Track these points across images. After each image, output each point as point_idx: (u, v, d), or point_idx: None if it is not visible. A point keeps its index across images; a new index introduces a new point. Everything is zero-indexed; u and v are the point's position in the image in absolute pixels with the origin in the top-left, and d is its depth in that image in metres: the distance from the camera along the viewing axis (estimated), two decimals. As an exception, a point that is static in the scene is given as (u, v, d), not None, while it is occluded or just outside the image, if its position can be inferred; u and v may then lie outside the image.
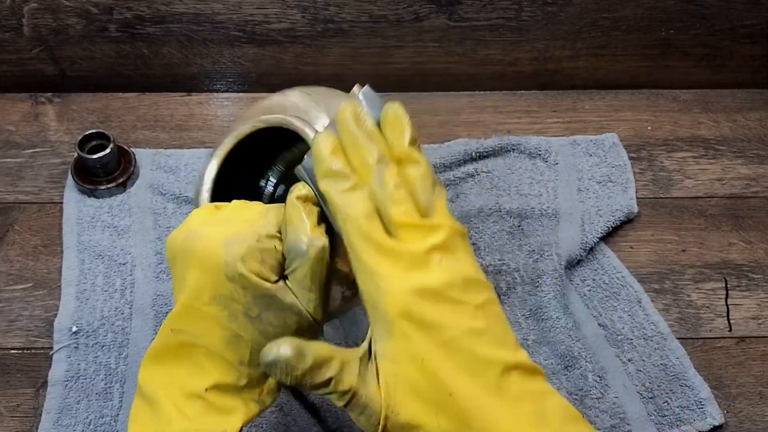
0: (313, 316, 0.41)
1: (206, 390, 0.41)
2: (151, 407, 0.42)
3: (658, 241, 0.73)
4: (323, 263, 0.40)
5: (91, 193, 0.72)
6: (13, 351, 0.64)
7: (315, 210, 0.41)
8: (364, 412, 0.38)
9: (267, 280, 0.40)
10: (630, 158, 0.78)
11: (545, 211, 0.73)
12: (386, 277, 0.37)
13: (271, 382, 0.43)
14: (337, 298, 0.46)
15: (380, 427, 0.38)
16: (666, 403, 0.62)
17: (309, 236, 0.39)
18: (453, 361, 0.36)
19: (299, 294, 0.41)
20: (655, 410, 0.61)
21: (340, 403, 0.39)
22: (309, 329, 0.42)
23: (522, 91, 0.85)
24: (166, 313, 0.65)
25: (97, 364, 0.62)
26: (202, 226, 0.42)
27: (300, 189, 0.41)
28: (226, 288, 0.40)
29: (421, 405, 0.37)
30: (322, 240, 0.40)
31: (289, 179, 0.60)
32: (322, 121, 0.51)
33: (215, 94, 0.84)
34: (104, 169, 0.72)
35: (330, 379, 0.38)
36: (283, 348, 0.38)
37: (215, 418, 0.41)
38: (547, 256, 0.69)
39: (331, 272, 0.42)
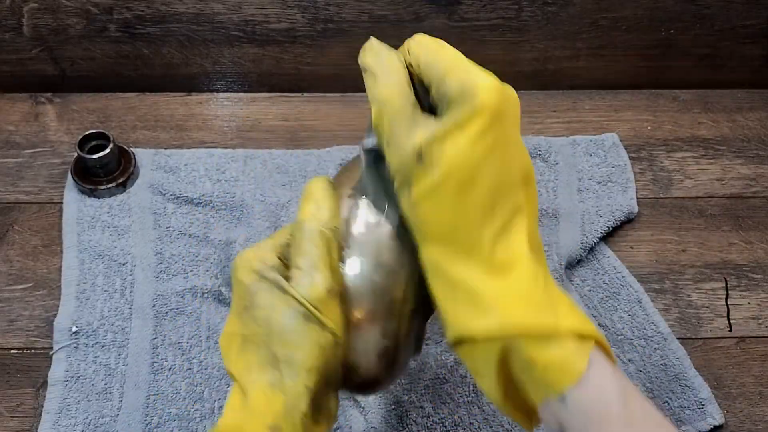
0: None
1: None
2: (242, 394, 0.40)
3: (658, 241, 0.73)
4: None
5: (91, 193, 0.72)
6: (13, 351, 0.64)
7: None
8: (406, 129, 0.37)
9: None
10: (630, 158, 0.78)
11: (545, 211, 0.73)
12: None
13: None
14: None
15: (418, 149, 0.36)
16: (666, 404, 0.62)
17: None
18: None
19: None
20: (655, 410, 0.61)
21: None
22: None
23: (522, 91, 0.83)
24: (166, 313, 0.65)
25: (96, 364, 0.62)
26: None
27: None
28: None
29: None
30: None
31: None
32: None
33: (215, 94, 0.84)
34: (104, 169, 0.72)
35: None
36: None
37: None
38: (547, 256, 0.68)
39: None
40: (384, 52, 0.39)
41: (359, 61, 0.40)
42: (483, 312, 0.37)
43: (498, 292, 0.37)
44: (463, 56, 0.38)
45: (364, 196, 0.42)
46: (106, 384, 0.61)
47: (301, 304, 0.38)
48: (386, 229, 0.41)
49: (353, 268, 0.41)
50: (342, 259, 0.41)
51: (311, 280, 0.38)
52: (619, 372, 0.38)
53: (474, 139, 0.35)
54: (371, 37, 0.40)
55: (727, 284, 0.70)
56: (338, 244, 0.41)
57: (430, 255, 0.38)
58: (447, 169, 0.35)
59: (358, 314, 0.40)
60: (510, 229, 0.37)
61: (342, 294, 0.40)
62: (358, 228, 0.42)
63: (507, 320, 0.36)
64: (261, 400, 0.37)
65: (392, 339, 0.41)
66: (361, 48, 0.40)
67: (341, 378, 0.41)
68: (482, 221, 0.36)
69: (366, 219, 0.42)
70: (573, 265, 0.70)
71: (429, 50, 0.38)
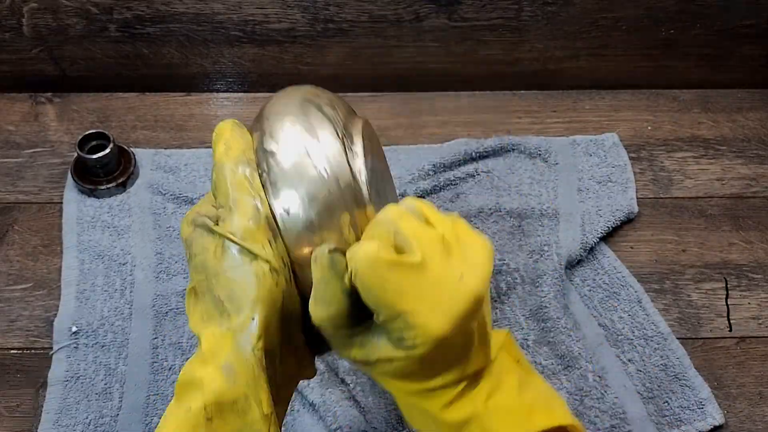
0: None
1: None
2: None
3: (658, 241, 0.73)
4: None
5: (91, 193, 0.72)
6: (13, 351, 0.64)
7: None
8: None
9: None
10: (630, 158, 0.78)
11: (545, 211, 0.73)
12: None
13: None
14: None
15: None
16: (666, 404, 0.62)
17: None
18: None
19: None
20: (655, 410, 0.61)
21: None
22: None
23: (522, 91, 0.85)
24: (166, 313, 0.65)
25: (97, 364, 0.62)
26: None
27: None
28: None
29: None
30: None
31: None
32: None
33: (215, 94, 0.84)
34: (104, 169, 0.72)
35: None
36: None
37: None
38: (548, 256, 0.69)
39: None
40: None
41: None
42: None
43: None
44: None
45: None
46: (106, 384, 0.61)
47: (228, 239, 0.37)
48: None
49: (284, 202, 0.39)
50: (275, 195, 0.39)
51: (232, 215, 0.38)
52: None
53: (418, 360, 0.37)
54: None
55: (727, 284, 0.70)
56: (260, 176, 0.40)
57: (404, 400, 0.41)
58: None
59: (297, 251, 0.39)
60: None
61: (276, 227, 0.39)
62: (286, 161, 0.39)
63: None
64: (212, 343, 0.37)
65: None
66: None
67: (302, 313, 0.39)
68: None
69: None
70: (573, 265, 0.70)
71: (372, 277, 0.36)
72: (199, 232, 0.39)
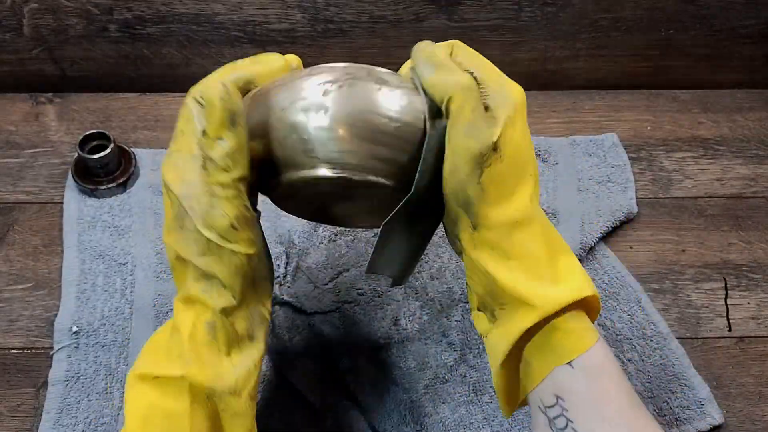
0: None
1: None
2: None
3: (658, 241, 0.73)
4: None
5: (92, 193, 0.72)
6: (13, 351, 0.64)
7: None
8: (485, 122, 0.42)
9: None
10: (630, 158, 0.78)
11: (545, 211, 0.73)
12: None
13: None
14: None
15: (495, 143, 0.41)
16: (666, 403, 0.62)
17: None
18: None
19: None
20: (655, 410, 0.61)
21: (466, 105, 0.41)
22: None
23: (522, 91, 0.85)
24: (167, 313, 0.65)
25: (97, 364, 0.62)
26: None
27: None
28: (168, 211, 0.43)
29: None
30: None
31: None
32: None
33: (215, 94, 0.84)
34: (104, 169, 0.72)
35: None
36: None
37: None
38: (547, 256, 0.69)
39: None
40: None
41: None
42: (555, 285, 0.42)
43: (566, 268, 0.43)
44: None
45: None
46: (106, 384, 0.61)
47: (208, 240, 0.41)
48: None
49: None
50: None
51: (213, 211, 0.41)
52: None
53: (520, 130, 0.43)
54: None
55: (726, 284, 0.70)
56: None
57: (491, 236, 0.42)
58: (511, 153, 0.42)
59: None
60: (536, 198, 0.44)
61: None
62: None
63: (576, 293, 0.42)
64: (199, 299, 0.43)
65: None
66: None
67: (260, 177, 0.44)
68: (526, 187, 0.43)
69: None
70: (573, 265, 0.70)
71: (469, 54, 0.45)
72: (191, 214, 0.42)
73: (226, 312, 0.43)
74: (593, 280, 0.69)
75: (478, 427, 0.60)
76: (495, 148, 0.41)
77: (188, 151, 0.41)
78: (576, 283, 0.42)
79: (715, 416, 0.61)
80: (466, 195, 0.42)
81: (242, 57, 0.81)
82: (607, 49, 0.82)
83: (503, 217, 0.42)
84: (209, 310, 0.43)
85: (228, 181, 0.41)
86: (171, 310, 0.65)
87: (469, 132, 0.41)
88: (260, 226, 0.44)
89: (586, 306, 0.43)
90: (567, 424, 0.41)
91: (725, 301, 0.69)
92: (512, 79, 0.45)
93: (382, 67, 0.45)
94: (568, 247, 0.45)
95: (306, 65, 0.85)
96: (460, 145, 0.41)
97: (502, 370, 0.43)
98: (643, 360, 0.64)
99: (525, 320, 0.41)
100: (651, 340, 0.65)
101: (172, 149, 0.43)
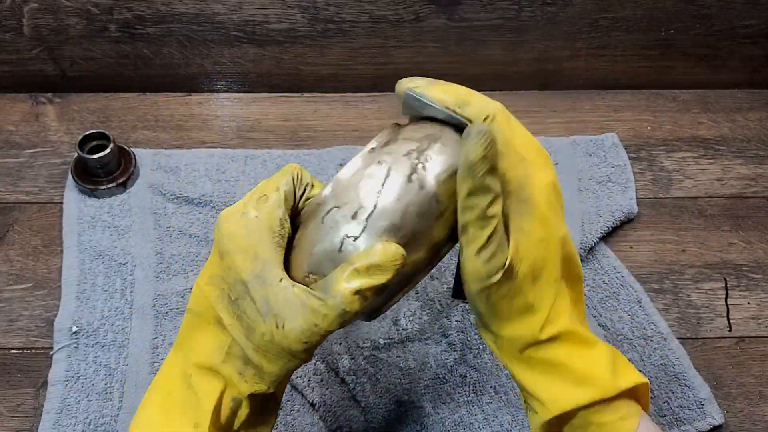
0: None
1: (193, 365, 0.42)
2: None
3: (658, 241, 0.73)
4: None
5: (92, 193, 0.72)
6: (13, 351, 0.64)
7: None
8: (498, 246, 0.39)
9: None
10: (630, 158, 0.78)
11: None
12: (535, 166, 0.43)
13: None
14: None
15: (505, 267, 0.40)
16: (666, 403, 0.62)
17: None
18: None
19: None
20: (655, 410, 0.61)
21: (484, 231, 0.39)
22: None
23: (522, 91, 0.85)
24: (166, 313, 0.65)
25: (97, 364, 0.62)
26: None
27: None
28: (218, 266, 0.41)
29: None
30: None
31: None
32: None
33: (215, 94, 0.84)
34: (104, 169, 0.72)
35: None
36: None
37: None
38: (547, 256, 0.68)
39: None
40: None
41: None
42: (577, 384, 0.42)
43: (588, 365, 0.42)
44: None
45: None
46: (106, 384, 0.61)
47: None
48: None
49: None
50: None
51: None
52: (657, 428, 0.43)
53: (537, 237, 0.42)
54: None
55: (726, 284, 0.70)
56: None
57: (509, 348, 0.42)
58: (526, 269, 0.41)
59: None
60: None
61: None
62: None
63: (598, 391, 0.42)
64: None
65: None
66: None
67: None
68: (547, 298, 0.42)
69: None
70: (573, 265, 0.70)
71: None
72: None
73: (254, 396, 0.41)
74: (593, 280, 0.69)
75: (478, 427, 0.60)
76: (505, 269, 0.39)
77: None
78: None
79: (716, 416, 0.61)
80: (476, 311, 0.42)
81: (242, 56, 0.82)
82: (607, 49, 0.82)
83: (519, 335, 0.41)
84: (237, 390, 0.41)
85: None
86: (171, 310, 0.65)
87: (480, 254, 0.39)
88: None
89: (635, 395, 0.44)
90: None
91: (725, 301, 0.69)
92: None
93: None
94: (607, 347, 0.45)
95: (306, 65, 0.86)
96: (469, 266, 0.40)
97: None
98: (643, 360, 0.64)
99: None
100: (651, 340, 0.65)
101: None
